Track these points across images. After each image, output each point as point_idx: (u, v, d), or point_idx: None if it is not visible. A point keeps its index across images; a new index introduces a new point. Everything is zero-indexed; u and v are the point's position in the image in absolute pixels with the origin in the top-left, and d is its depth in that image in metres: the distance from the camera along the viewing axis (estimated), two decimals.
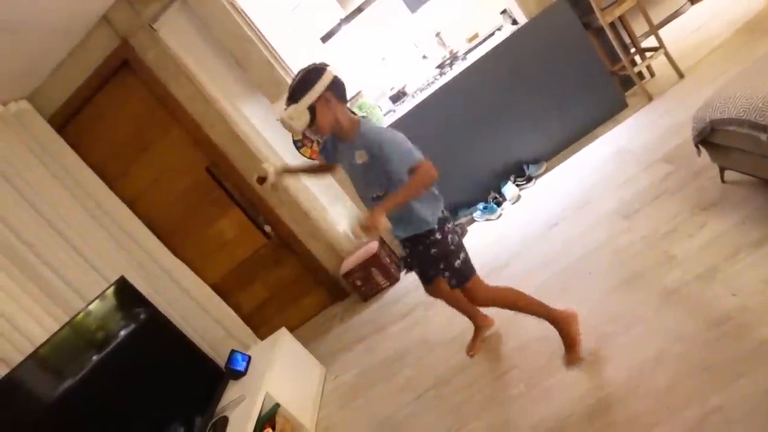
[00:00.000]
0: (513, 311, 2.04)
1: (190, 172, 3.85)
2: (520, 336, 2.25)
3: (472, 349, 2.39)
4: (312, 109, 1.69)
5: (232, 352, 2.90)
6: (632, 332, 1.86)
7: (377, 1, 3.96)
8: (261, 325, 4.07)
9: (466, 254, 1.99)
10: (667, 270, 2.01)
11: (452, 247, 1.92)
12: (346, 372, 3.04)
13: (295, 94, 1.69)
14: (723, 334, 1.61)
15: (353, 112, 1.83)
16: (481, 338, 2.41)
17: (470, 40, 4.04)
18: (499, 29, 3.80)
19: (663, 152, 2.73)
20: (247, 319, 3.97)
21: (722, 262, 1.86)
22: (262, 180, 2.07)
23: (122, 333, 2.57)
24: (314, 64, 1.76)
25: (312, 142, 3.53)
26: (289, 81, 3.38)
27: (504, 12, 3.75)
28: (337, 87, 1.74)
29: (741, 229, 1.93)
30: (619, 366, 1.78)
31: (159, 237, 3.75)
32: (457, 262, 1.93)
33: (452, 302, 2.31)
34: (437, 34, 4.19)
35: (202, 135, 3.67)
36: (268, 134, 3.74)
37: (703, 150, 2.17)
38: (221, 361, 2.93)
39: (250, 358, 2.91)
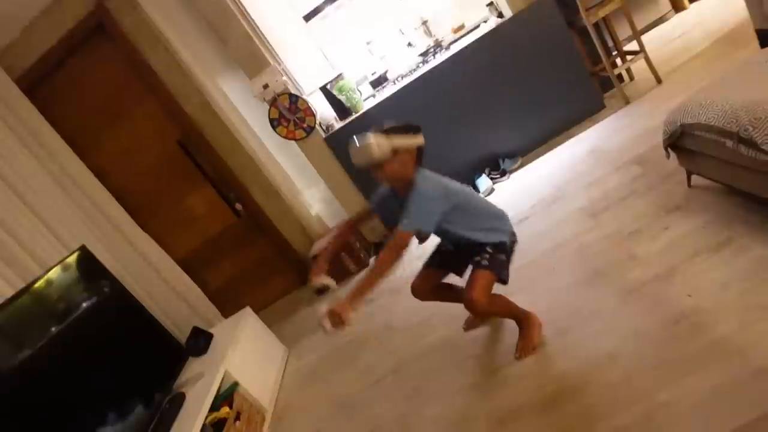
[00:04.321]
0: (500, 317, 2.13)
1: (162, 144, 3.76)
2: (480, 327, 2.27)
3: (467, 324, 2.31)
4: (395, 151, 1.74)
5: (194, 329, 2.86)
6: (590, 328, 1.88)
7: None
8: (226, 304, 4.00)
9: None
10: (628, 269, 2.04)
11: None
12: (309, 354, 3.03)
13: (392, 130, 1.76)
14: (676, 333, 1.65)
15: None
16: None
17: (456, 30, 4.01)
18: (485, 21, 3.78)
19: (635, 154, 2.77)
20: (213, 297, 3.90)
21: (681, 263, 1.90)
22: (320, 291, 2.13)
23: (82, 304, 2.48)
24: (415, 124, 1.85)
25: (288, 121, 3.47)
26: (269, 57, 3.39)
27: (491, 4, 3.73)
28: (421, 151, 1.84)
29: (702, 233, 1.97)
30: (575, 359, 1.81)
31: (126, 208, 3.66)
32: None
33: (446, 296, 2.21)
34: (424, 23, 4.15)
35: (176, 107, 3.59)
36: (243, 109, 3.68)
37: (672, 154, 2.21)
38: (183, 338, 2.89)
39: (212, 335, 2.87)
